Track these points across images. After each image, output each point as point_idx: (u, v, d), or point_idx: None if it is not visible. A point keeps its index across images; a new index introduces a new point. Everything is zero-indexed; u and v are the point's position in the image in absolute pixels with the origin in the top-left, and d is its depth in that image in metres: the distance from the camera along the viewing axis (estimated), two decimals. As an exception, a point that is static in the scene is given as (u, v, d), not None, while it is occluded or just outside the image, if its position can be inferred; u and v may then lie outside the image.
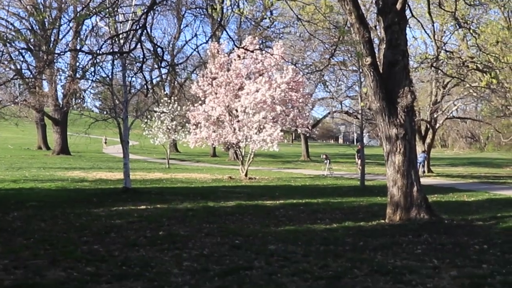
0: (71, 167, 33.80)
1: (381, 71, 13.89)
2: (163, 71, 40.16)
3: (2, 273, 7.89)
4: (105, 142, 63.37)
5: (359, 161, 31.04)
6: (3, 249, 9.46)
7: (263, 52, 29.46)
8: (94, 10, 12.63)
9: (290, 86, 28.69)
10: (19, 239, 10.44)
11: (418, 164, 34.54)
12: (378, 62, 14.17)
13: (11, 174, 27.23)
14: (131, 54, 17.50)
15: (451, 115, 46.15)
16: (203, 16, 58.89)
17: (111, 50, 15.17)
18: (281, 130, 28.32)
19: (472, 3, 21.12)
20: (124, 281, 7.41)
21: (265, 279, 7.61)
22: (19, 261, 8.57)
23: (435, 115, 41.12)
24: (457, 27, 25.76)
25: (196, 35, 77.17)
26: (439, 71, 28.05)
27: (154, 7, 13.82)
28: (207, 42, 30.09)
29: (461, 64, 25.76)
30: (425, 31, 23.03)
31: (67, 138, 50.73)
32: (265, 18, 57.23)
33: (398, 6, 13.59)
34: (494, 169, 47.37)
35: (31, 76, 43.60)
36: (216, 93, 29.06)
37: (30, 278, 7.61)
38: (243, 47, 23.86)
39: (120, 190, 19.71)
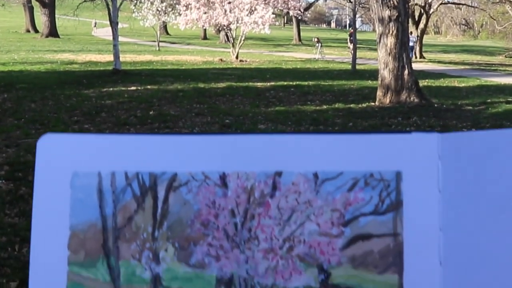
0: (60, 50, 33.50)
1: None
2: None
3: (-6, 151, 8.15)
4: (95, 26, 62.22)
5: (351, 45, 30.98)
6: (-5, 129, 9.71)
7: None
8: None
9: (282, -33, 28.27)
10: (10, 119, 10.63)
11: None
12: None
13: (0, 57, 27.13)
14: None
15: (446, 0, 45.63)
16: None
17: None
18: (273, 13, 28.10)
19: None
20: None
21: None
22: (11, 140, 8.79)
23: (429, 0, 40.68)
24: None
25: None
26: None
27: None
28: None
29: None
30: None
31: (55, 20, 49.97)
32: None
33: None
34: (487, 56, 47.30)
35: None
36: (207, -26, 28.62)
37: (22, 156, 7.85)
38: None
39: (110, 72, 19.74)
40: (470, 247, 0.74)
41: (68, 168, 0.77)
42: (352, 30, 29.00)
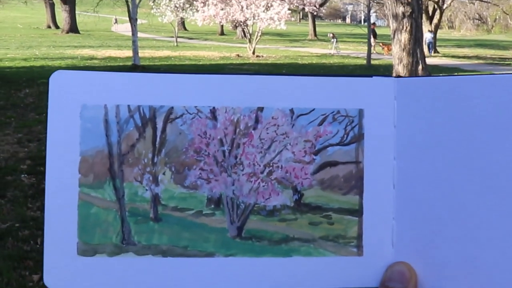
0: (81, 46, 33.68)
1: None
2: None
3: (16, 146, 8.28)
4: (116, 22, 62.17)
5: (373, 41, 30.95)
6: (17, 123, 9.84)
7: None
8: None
9: (299, -37, 28.33)
10: (31, 114, 10.80)
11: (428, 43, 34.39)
12: None
13: (21, 52, 27.29)
14: None
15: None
16: None
17: None
18: (289, 9, 28.18)
19: None
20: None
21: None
22: (33, 135, 8.94)
23: (443, -5, 40.51)
24: None
25: None
26: None
27: None
28: None
29: None
30: None
31: (75, 16, 50.24)
32: None
33: None
34: (500, 51, 46.90)
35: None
36: (224, -30, 28.75)
37: (43, 150, 7.91)
38: None
39: (129, 67, 19.93)
40: (419, 173, 0.87)
41: (78, 101, 0.88)
42: (374, 26, 28.92)
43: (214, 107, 0.90)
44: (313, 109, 0.90)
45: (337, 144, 0.90)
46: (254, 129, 0.90)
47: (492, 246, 0.84)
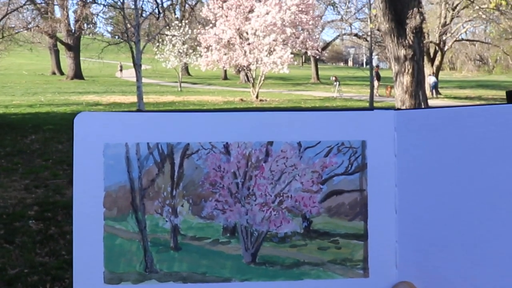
0: (85, 92, 34.00)
1: (390, -9, 13.96)
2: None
3: (23, 192, 8.27)
4: (121, 70, 61.76)
5: (377, 83, 31.17)
6: (24, 170, 9.87)
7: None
8: None
9: (300, 9, 28.67)
10: (38, 160, 10.84)
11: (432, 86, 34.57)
12: (387, -17, 14.21)
13: (27, 99, 27.52)
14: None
15: (460, 37, 45.81)
16: None
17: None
18: (291, 53, 28.44)
19: None
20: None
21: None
22: (39, 181, 8.95)
23: (444, 38, 40.83)
24: None
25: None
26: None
27: None
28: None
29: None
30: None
31: (80, 63, 50.77)
32: None
33: None
34: (502, 91, 46.89)
35: (43, 1, 43.36)
36: (226, 16, 29.07)
37: (51, 196, 8.00)
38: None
39: (134, 112, 20.01)
40: (419, 199, 0.94)
41: (101, 140, 0.96)
42: (377, 68, 29.13)
43: (227, 143, 0.97)
44: (319, 142, 0.97)
45: (342, 174, 0.97)
46: (265, 162, 0.97)
47: (490, 266, 0.90)
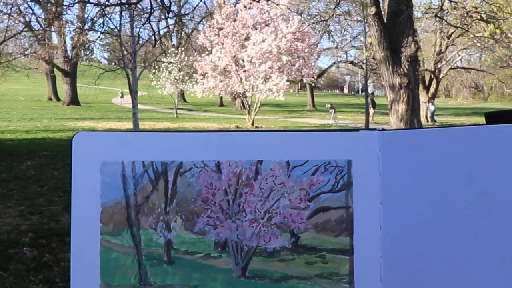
0: (81, 118, 33.90)
1: (385, 20, 14.04)
2: (170, 21, 40.10)
3: (18, 218, 8.21)
4: (122, 97, 60.94)
5: (372, 110, 31.27)
6: (19, 196, 9.80)
7: (269, 2, 29.42)
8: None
9: (295, 36, 28.79)
10: (33, 186, 10.75)
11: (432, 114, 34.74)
12: (383, 12, 14.29)
13: (23, 125, 27.41)
14: (139, 5, 17.61)
15: (455, 65, 46.03)
16: (209, -34, 58.35)
17: (118, 1, 15.31)
18: (287, 80, 28.50)
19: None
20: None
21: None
22: (34, 207, 8.87)
23: (439, 65, 40.98)
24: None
25: (202, -15, 76.14)
26: (443, 21, 28.01)
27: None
28: (213, -8, 30.11)
29: (465, 14, 25.68)
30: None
31: (76, 89, 50.66)
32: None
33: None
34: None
35: (40, 28, 43.48)
36: (222, 44, 29.19)
37: (46, 223, 7.93)
38: (249, -3, 23.95)
39: (130, 139, 19.95)
40: (403, 216, 0.98)
41: (98, 158, 1.00)
42: (372, 96, 29.18)
43: (218, 161, 1.01)
44: (307, 161, 1.01)
45: (329, 192, 1.01)
46: (255, 180, 1.01)
47: (473, 282, 0.94)
